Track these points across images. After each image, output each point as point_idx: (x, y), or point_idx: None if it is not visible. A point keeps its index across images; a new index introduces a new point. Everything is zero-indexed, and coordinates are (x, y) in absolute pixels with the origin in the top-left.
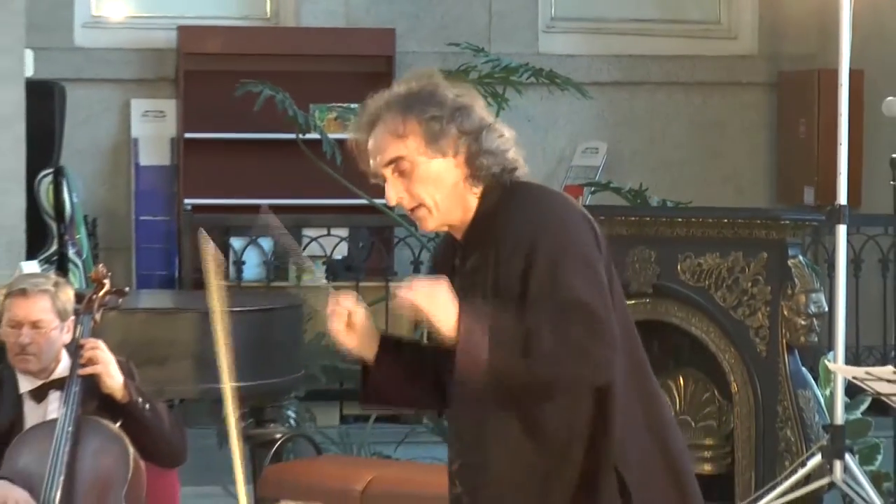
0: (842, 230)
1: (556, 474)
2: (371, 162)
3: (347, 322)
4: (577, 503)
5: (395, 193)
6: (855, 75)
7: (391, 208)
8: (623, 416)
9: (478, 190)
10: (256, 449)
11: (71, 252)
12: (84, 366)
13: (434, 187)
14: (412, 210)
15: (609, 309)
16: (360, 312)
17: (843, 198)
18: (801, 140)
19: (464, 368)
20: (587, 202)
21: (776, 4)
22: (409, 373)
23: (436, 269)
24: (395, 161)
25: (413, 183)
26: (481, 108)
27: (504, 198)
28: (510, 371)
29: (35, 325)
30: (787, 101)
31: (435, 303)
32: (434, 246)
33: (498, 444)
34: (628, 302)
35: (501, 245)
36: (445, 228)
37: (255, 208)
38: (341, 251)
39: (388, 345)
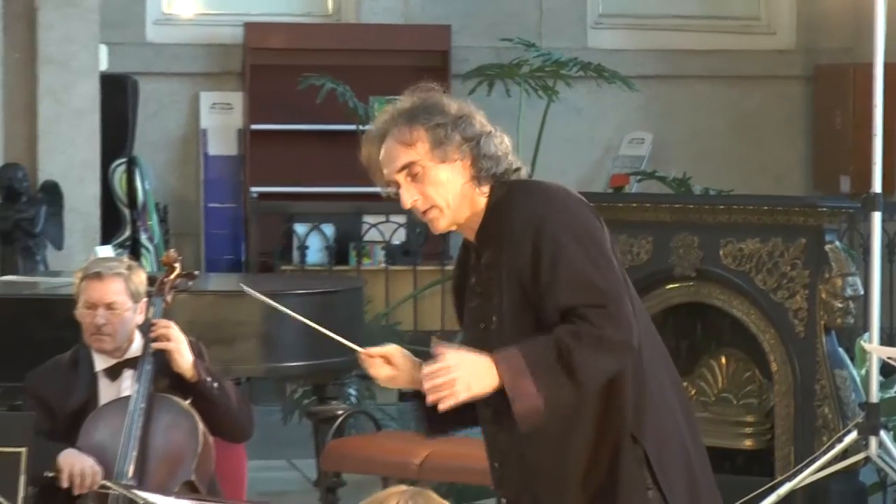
0: (876, 217)
1: (575, 448)
2: (384, 171)
3: (388, 363)
4: (597, 473)
5: (409, 197)
6: (889, 68)
7: None
8: (637, 389)
9: (484, 190)
10: (319, 424)
11: (143, 237)
12: (156, 345)
13: (444, 189)
14: (425, 212)
15: (618, 286)
16: (392, 351)
17: (877, 186)
18: (836, 131)
19: (525, 417)
20: (633, 190)
21: (813, 0)
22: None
23: (460, 277)
24: (407, 167)
25: (425, 186)
26: (481, 118)
27: (508, 194)
28: (562, 397)
29: (109, 306)
30: (824, 93)
31: (470, 382)
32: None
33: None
34: (673, 286)
35: (508, 236)
36: (455, 228)
37: (318, 196)
38: (399, 237)
39: None
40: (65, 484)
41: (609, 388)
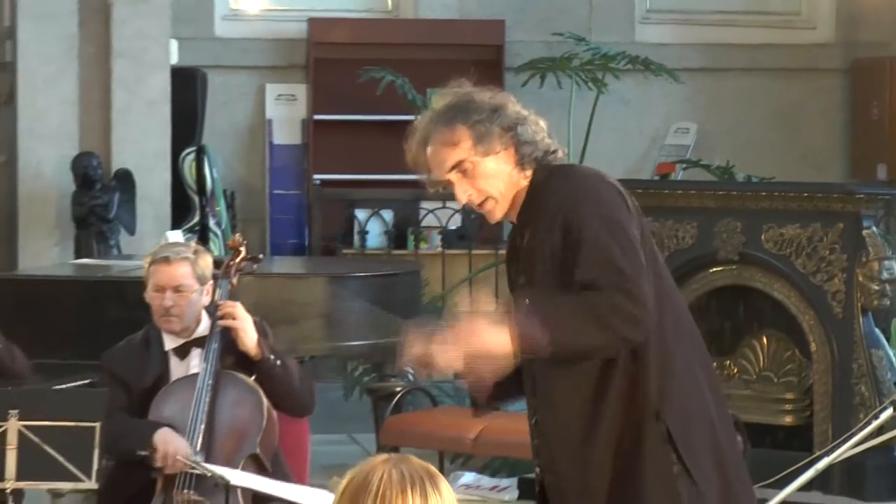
0: None
1: (601, 424)
2: (434, 172)
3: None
4: (623, 450)
5: (463, 193)
6: None
7: None
8: (661, 368)
9: (527, 174)
10: (378, 401)
11: (211, 223)
12: (223, 325)
13: (495, 179)
14: (480, 205)
15: (639, 266)
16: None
17: None
18: (873, 121)
19: (527, 353)
20: (679, 177)
21: None
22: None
23: (511, 260)
24: (457, 165)
25: (476, 180)
26: (514, 105)
27: (546, 179)
28: (568, 347)
29: (177, 289)
30: (861, 85)
31: (483, 346)
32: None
33: (558, 399)
34: (716, 269)
35: (544, 217)
36: (508, 215)
37: (378, 183)
38: (455, 222)
39: None
40: (158, 463)
41: (634, 367)
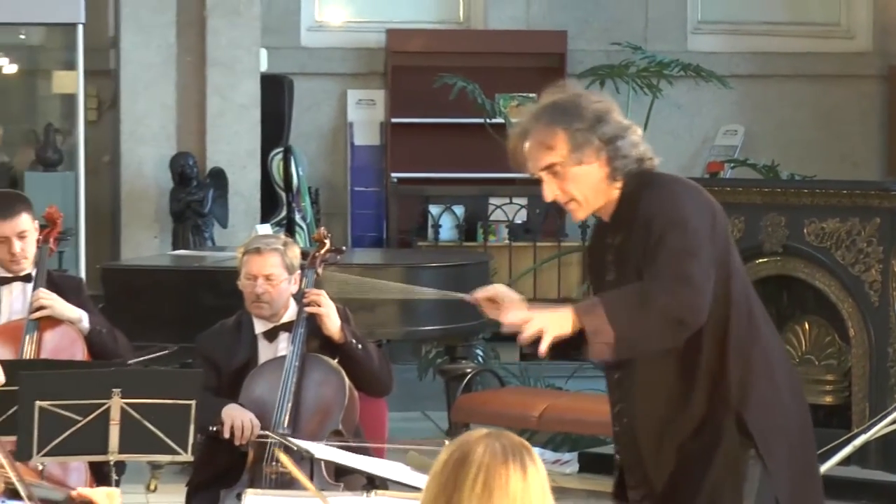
0: None
1: (681, 416)
2: (528, 164)
3: (494, 303)
4: (703, 442)
5: (550, 192)
6: None
7: None
8: (741, 365)
9: (618, 185)
10: (450, 381)
11: (297, 217)
12: (309, 311)
13: (582, 185)
14: (566, 203)
15: (706, 276)
16: (494, 291)
17: None
18: None
19: (598, 352)
20: (727, 175)
21: (889, 8)
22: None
23: (591, 250)
24: (549, 167)
25: (565, 183)
26: (617, 114)
27: (639, 186)
28: (634, 337)
29: (268, 278)
30: None
31: (548, 325)
32: (590, 230)
33: (641, 392)
34: (762, 260)
35: (636, 225)
36: (592, 216)
37: (450, 181)
38: (521, 217)
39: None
40: (226, 435)
41: (716, 363)
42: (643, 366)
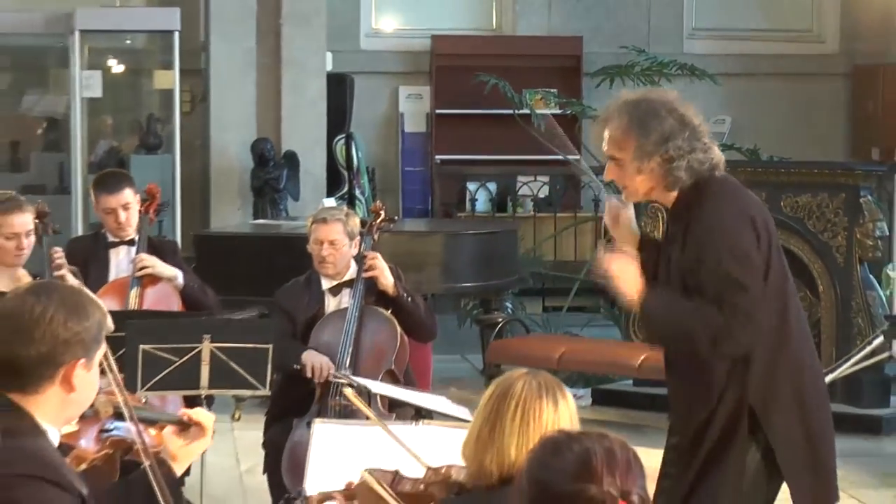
0: None
1: (710, 410)
2: (602, 145)
3: (616, 218)
4: (726, 433)
5: (610, 175)
6: None
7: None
8: (762, 365)
9: (671, 193)
10: (485, 329)
11: (357, 192)
12: (367, 271)
13: (635, 184)
14: (622, 187)
15: (757, 299)
16: (626, 212)
17: None
18: (869, 115)
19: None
20: None
21: (853, 16)
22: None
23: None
24: (613, 158)
25: (622, 173)
26: (690, 131)
27: (698, 191)
28: (666, 338)
29: (332, 243)
30: (860, 86)
31: (623, 277)
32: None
33: (679, 393)
34: None
35: (689, 233)
36: (649, 200)
37: (485, 162)
38: (544, 192)
39: (649, 242)
40: (308, 374)
41: (742, 371)
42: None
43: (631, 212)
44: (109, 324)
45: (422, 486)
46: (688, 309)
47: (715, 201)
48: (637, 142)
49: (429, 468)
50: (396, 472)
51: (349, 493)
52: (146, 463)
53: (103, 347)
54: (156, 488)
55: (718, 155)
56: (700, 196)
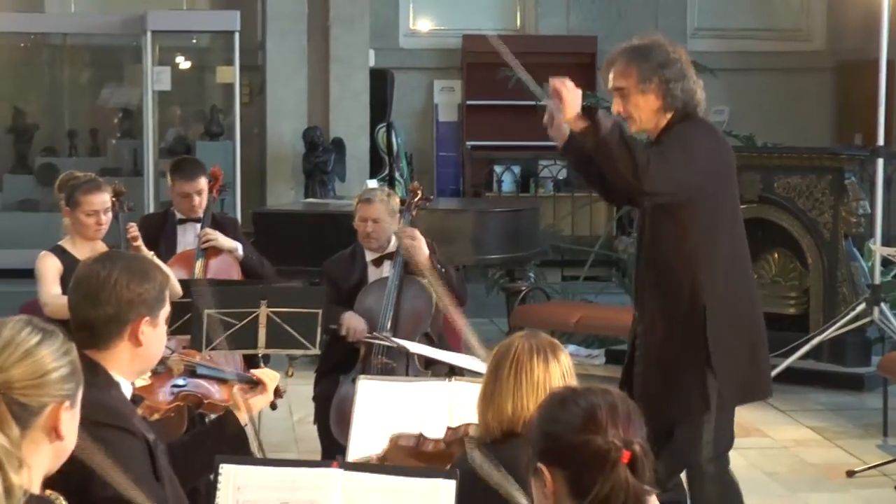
0: (880, 161)
1: (665, 319)
2: (607, 85)
3: (552, 120)
4: (687, 329)
5: (616, 108)
6: (891, 64)
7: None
8: (713, 272)
9: (668, 115)
10: (510, 296)
11: (397, 174)
12: (405, 244)
13: (639, 109)
14: (625, 119)
15: (687, 172)
16: (561, 116)
17: (881, 141)
18: (853, 104)
19: (581, 134)
20: None
21: (838, 16)
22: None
23: None
24: (619, 89)
25: (627, 103)
26: (683, 65)
27: (680, 119)
28: (604, 154)
29: (375, 220)
30: (845, 79)
31: (570, 99)
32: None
33: (649, 305)
34: (742, 207)
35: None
36: (641, 131)
37: (510, 147)
38: (563, 174)
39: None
40: (342, 334)
41: (696, 282)
42: (653, 288)
43: (564, 118)
44: (175, 287)
45: (443, 446)
46: (623, 140)
47: (690, 121)
48: (638, 67)
49: (448, 428)
50: (420, 435)
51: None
52: (244, 420)
53: (167, 307)
54: (252, 440)
55: (702, 94)
56: (683, 120)
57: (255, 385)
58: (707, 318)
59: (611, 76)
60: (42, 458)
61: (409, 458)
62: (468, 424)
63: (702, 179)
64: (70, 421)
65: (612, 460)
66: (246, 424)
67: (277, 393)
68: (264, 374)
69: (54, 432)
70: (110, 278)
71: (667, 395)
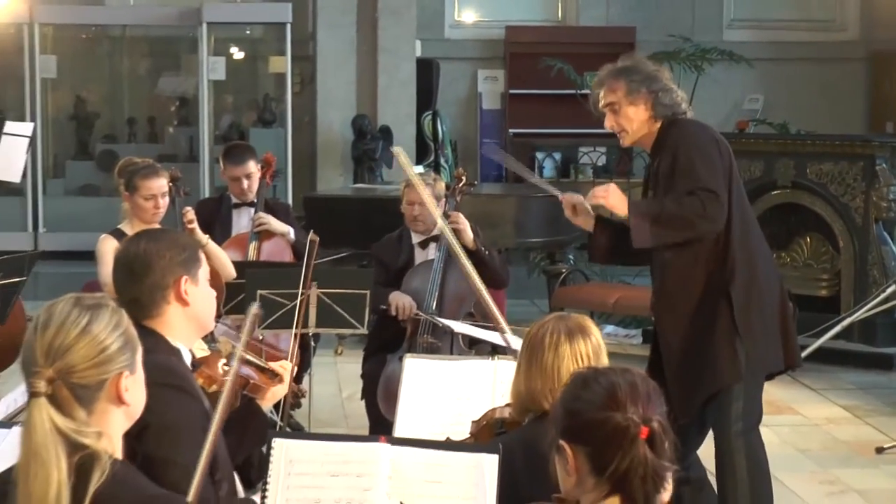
0: None
1: (690, 300)
2: (598, 104)
3: (574, 210)
4: (708, 311)
5: (608, 123)
6: None
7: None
8: (735, 261)
9: (657, 124)
10: (550, 278)
11: (442, 161)
12: (450, 227)
13: (630, 121)
14: (618, 132)
15: (720, 186)
16: (581, 203)
17: None
18: (885, 93)
19: (637, 233)
20: (751, 130)
21: (872, 7)
22: (613, 239)
23: (645, 178)
24: (610, 104)
25: (619, 117)
26: (666, 78)
27: (671, 126)
28: (665, 230)
29: (421, 203)
30: (878, 68)
31: (614, 198)
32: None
33: (669, 284)
34: (776, 192)
35: (666, 154)
36: (637, 144)
37: (551, 134)
38: (602, 160)
39: (601, 221)
40: (392, 313)
41: (717, 263)
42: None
43: (580, 197)
44: (229, 268)
45: (471, 440)
46: (670, 202)
47: (686, 126)
48: (626, 81)
49: (472, 422)
50: (447, 439)
51: None
52: (266, 407)
53: (204, 266)
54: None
55: (686, 105)
56: (677, 126)
57: (275, 375)
58: (733, 289)
59: (601, 94)
60: (115, 423)
61: None
62: (492, 409)
63: (723, 173)
64: (133, 386)
65: (630, 436)
66: (269, 412)
67: (301, 394)
68: (280, 365)
69: (118, 400)
70: (140, 251)
71: (698, 369)
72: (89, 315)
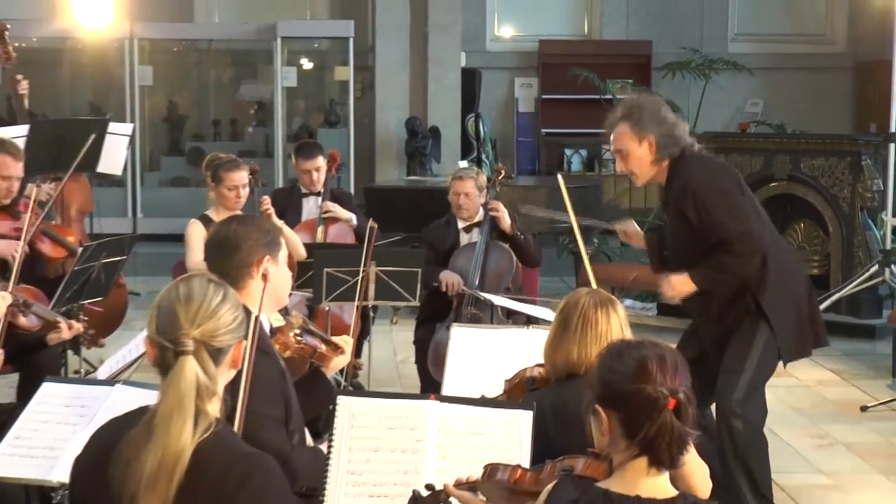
0: (892, 146)
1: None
2: (611, 144)
3: (626, 234)
4: (735, 314)
5: (620, 166)
6: None
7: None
8: (762, 265)
9: (664, 163)
10: (577, 259)
11: (483, 157)
12: (491, 215)
13: (638, 164)
14: (629, 174)
15: (748, 219)
16: (628, 226)
17: (893, 128)
18: (869, 98)
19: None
20: (752, 131)
21: (857, 23)
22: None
23: (663, 200)
24: (619, 151)
25: (627, 162)
26: (669, 117)
27: (681, 163)
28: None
29: (467, 194)
30: (863, 77)
31: (681, 288)
32: None
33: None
34: (774, 184)
35: (676, 187)
36: (651, 181)
37: (578, 134)
38: None
39: (649, 240)
40: (443, 288)
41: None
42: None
43: (632, 224)
44: (300, 249)
45: (504, 397)
46: (714, 269)
47: (693, 167)
48: (632, 128)
49: (505, 381)
50: (481, 396)
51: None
52: (330, 374)
53: (284, 249)
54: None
55: (686, 134)
56: (685, 163)
57: (337, 348)
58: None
59: (612, 138)
60: (223, 384)
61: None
62: (523, 369)
63: (739, 198)
64: (244, 352)
65: (659, 406)
66: (333, 379)
67: (358, 366)
68: (342, 339)
69: (234, 363)
70: (230, 232)
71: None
72: (223, 291)
